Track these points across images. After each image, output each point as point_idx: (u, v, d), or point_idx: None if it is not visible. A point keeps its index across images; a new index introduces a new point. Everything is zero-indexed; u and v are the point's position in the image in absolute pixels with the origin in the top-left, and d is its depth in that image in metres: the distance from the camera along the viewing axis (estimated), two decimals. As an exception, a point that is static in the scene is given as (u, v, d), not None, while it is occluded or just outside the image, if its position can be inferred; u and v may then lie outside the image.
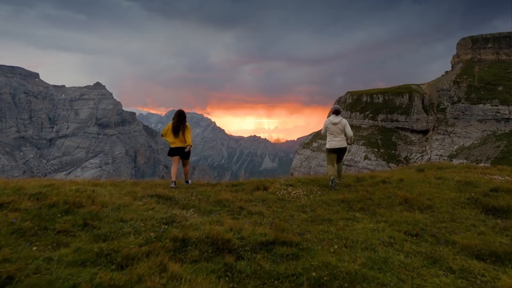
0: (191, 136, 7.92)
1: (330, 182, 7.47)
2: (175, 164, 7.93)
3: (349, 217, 4.59)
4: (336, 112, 8.18)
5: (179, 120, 7.75)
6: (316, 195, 6.16)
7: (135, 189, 5.61)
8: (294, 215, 4.71)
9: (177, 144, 7.77)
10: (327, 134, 8.20)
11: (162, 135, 7.94)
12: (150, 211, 4.04)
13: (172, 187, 7.09)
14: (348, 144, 8.16)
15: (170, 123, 7.86)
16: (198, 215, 4.35)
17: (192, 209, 4.63)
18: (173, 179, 7.53)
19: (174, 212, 4.07)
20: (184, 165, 8.14)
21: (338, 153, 8.12)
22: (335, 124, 8.02)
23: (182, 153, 7.81)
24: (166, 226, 3.52)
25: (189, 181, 8.26)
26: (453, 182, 6.85)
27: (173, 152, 7.82)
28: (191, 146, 7.92)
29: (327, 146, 8.12)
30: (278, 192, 6.28)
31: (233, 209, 4.92)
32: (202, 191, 6.39)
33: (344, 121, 8.12)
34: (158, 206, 4.46)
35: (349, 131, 8.02)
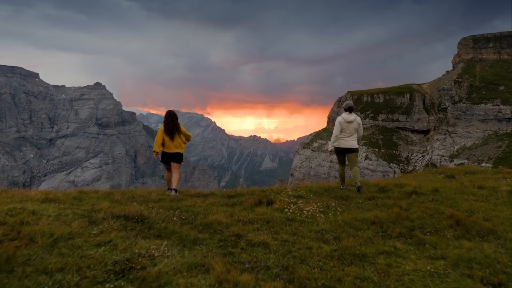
0: (187, 133, 7.21)
1: (341, 187, 7.15)
2: (168, 170, 7.23)
3: (389, 250, 3.30)
4: (349, 109, 7.38)
5: (173, 120, 6.96)
6: (336, 213, 4.86)
7: (99, 206, 4.33)
8: (313, 247, 3.40)
9: (172, 149, 7.00)
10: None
11: (154, 151, 7.11)
12: (101, 248, 2.76)
13: (171, 194, 6.52)
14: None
15: (159, 133, 7.03)
16: (176, 248, 3.06)
17: (167, 240, 3.29)
18: (169, 186, 6.92)
19: (137, 250, 2.73)
20: (174, 170, 7.21)
21: (347, 154, 7.36)
22: (350, 122, 7.23)
23: (174, 159, 7.09)
24: (116, 281, 2.23)
25: (177, 191, 7.18)
26: (503, 194, 5.55)
27: (166, 158, 7.08)
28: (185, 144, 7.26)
29: (336, 145, 7.37)
30: (286, 208, 4.96)
31: (227, 238, 3.62)
32: (190, 205, 5.15)
33: (359, 119, 7.41)
34: (120, 235, 3.21)
35: (361, 131, 7.39)
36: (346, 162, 7.44)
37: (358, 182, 6.85)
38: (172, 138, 6.89)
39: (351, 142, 7.19)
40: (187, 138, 7.22)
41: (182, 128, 7.13)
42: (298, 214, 4.70)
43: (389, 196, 5.98)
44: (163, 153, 7.08)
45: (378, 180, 8.04)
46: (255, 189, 6.52)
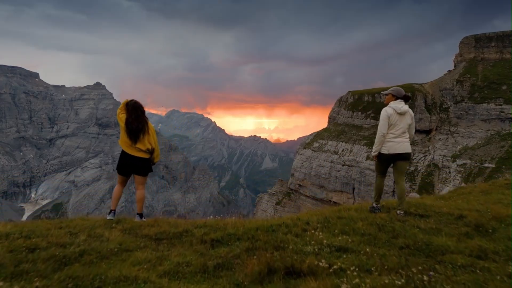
0: (156, 139, 5.23)
1: (374, 204, 5.10)
2: (120, 184, 5.22)
3: None
4: (405, 98, 5.30)
5: (138, 116, 5.02)
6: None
7: None
8: None
9: (133, 151, 5.01)
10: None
11: (119, 120, 5.12)
12: None
13: (110, 219, 4.82)
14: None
15: (122, 114, 5.11)
16: None
17: None
18: (113, 207, 5.01)
19: None
20: (139, 186, 5.20)
21: (397, 162, 5.32)
22: (402, 114, 5.17)
23: (139, 168, 5.08)
24: None
25: (143, 216, 5.19)
26: None
27: (125, 163, 5.06)
28: (151, 149, 5.10)
29: (383, 150, 5.29)
30: None
31: None
32: (125, 278, 2.69)
33: (411, 112, 5.40)
34: None
35: (413, 129, 5.40)
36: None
37: (401, 211, 4.96)
38: (134, 141, 4.97)
39: (405, 145, 5.20)
40: (154, 151, 5.13)
41: (151, 128, 5.16)
42: None
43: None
44: (123, 155, 5.08)
45: (444, 205, 5.58)
46: (258, 225, 4.11)
